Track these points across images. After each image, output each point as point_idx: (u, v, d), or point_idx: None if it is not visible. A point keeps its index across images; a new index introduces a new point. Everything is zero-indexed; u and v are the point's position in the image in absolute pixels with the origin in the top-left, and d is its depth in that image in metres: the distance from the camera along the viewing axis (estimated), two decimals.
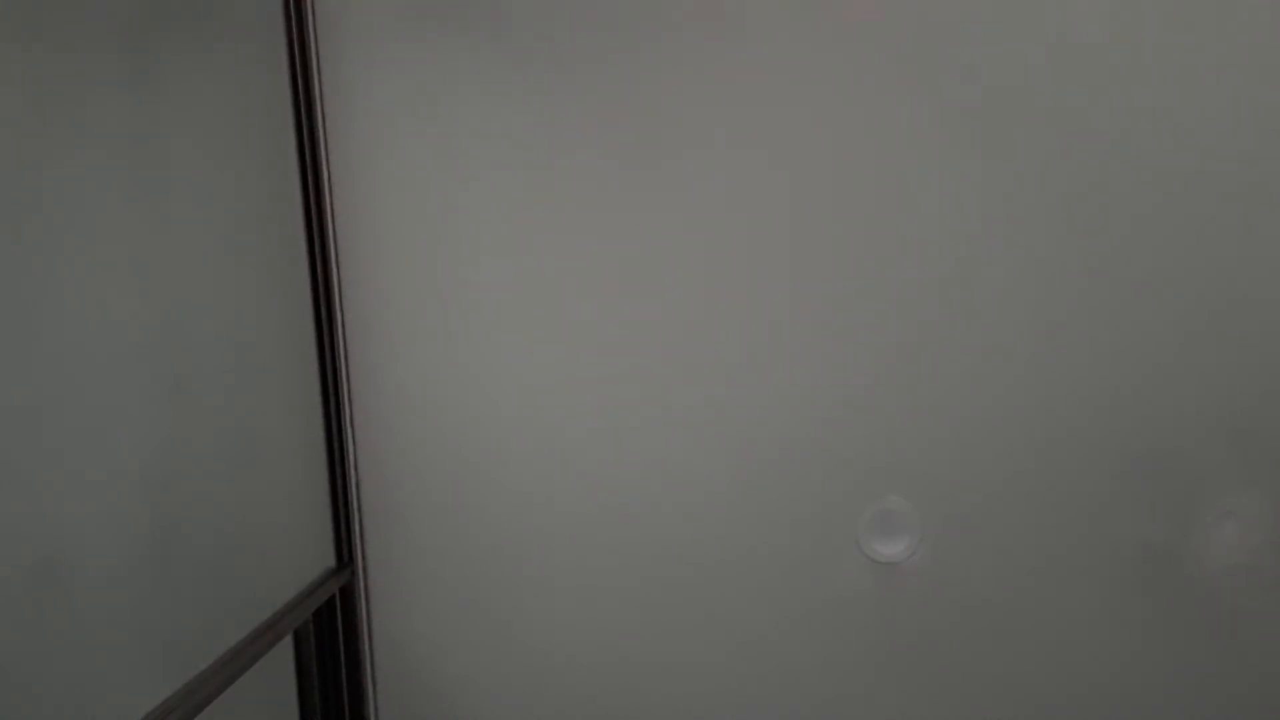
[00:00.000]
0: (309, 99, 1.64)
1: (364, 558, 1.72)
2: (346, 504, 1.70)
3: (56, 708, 1.05)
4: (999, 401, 1.64)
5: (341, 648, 1.69)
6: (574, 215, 1.67)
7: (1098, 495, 1.64)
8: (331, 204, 1.67)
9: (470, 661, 1.74)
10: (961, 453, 1.65)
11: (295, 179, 1.63)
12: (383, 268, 1.68)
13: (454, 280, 1.68)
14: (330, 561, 1.69)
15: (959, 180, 1.62)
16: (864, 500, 1.66)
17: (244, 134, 1.54)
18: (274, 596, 1.50)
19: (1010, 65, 1.60)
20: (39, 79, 1.07)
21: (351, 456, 1.71)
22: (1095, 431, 1.63)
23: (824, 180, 1.63)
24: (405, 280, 1.69)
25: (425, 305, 1.69)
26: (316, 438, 1.67)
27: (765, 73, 1.62)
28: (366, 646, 1.73)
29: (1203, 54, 1.58)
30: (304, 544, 1.63)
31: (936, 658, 1.69)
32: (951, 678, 1.69)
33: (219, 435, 1.41)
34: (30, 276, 1.04)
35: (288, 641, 1.57)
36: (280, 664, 1.57)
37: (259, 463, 1.52)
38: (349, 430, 1.70)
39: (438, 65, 1.65)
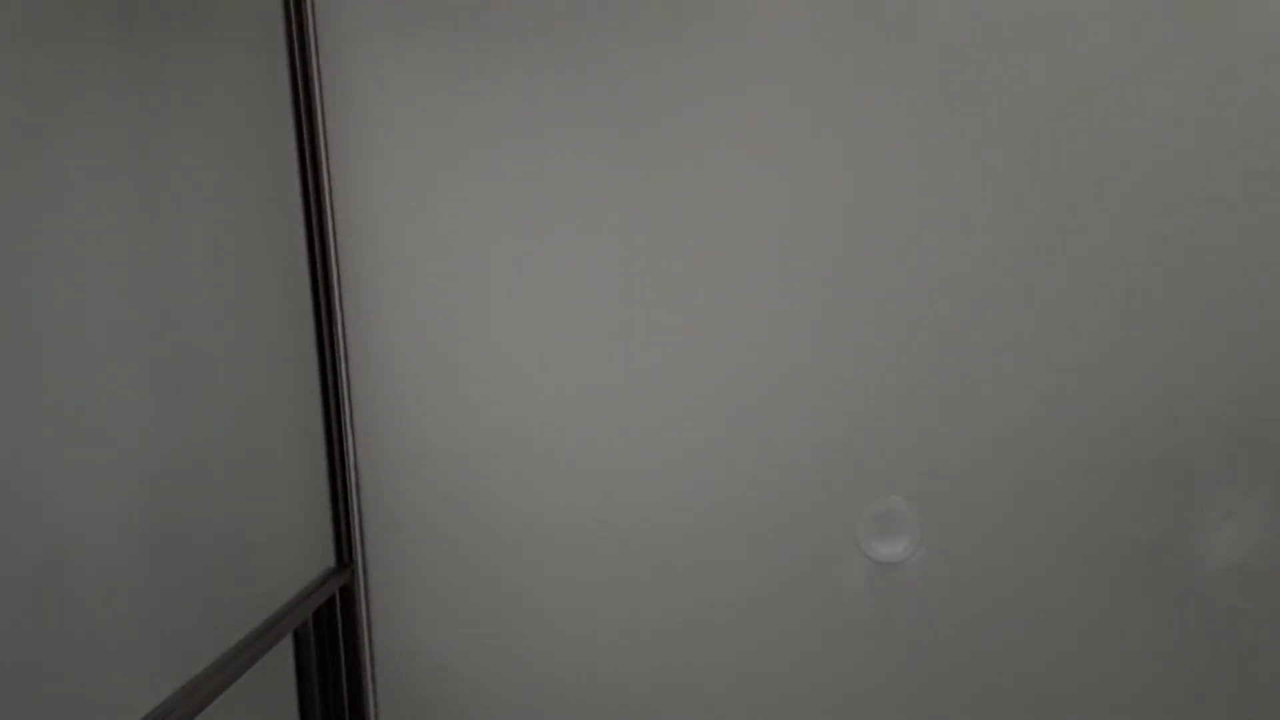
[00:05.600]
0: (309, 99, 1.64)
1: (364, 558, 1.72)
2: (346, 504, 1.70)
3: (57, 707, 1.05)
4: (999, 401, 1.64)
5: (341, 648, 1.69)
6: (576, 216, 1.66)
7: (1098, 495, 1.64)
8: (331, 204, 1.67)
9: (470, 662, 1.74)
10: (962, 452, 1.65)
11: (295, 179, 1.63)
12: (383, 268, 1.68)
13: (454, 280, 1.68)
14: (330, 561, 1.69)
15: (961, 181, 1.62)
16: (864, 500, 1.66)
17: (244, 134, 1.54)
18: (274, 596, 1.50)
19: (1020, 70, 1.60)
20: (39, 78, 1.07)
21: (351, 456, 1.70)
22: (1095, 431, 1.63)
23: (827, 180, 1.63)
24: (405, 280, 1.69)
25: (425, 305, 1.69)
26: (316, 438, 1.66)
27: (770, 70, 1.62)
28: (366, 646, 1.72)
29: (1209, 57, 1.58)
30: (304, 544, 1.63)
31: (936, 658, 1.69)
32: (951, 677, 1.69)
33: (219, 435, 1.41)
34: (30, 276, 1.04)
35: (288, 641, 1.57)
36: (280, 664, 1.56)
37: (259, 463, 1.52)
38: (349, 430, 1.70)
39: (438, 65, 1.65)
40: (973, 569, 1.67)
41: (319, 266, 1.66)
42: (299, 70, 1.62)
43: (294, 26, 1.62)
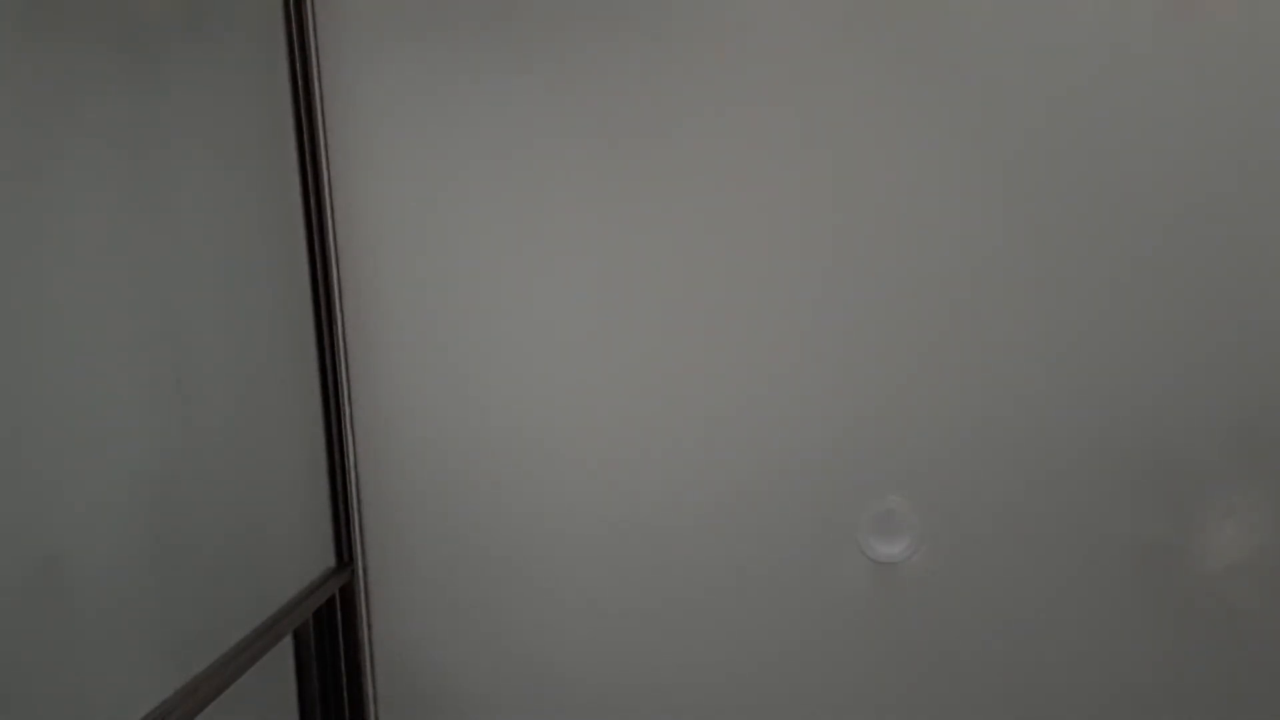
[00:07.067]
0: (309, 99, 1.64)
1: (364, 558, 1.72)
2: (346, 504, 1.70)
3: (57, 707, 1.05)
4: (999, 401, 1.64)
5: (341, 648, 1.69)
6: (575, 216, 1.67)
7: (1098, 495, 1.64)
8: (331, 204, 1.67)
9: (469, 661, 1.74)
10: (962, 453, 1.65)
11: (295, 179, 1.63)
12: (383, 268, 1.68)
13: (454, 280, 1.68)
14: (330, 561, 1.69)
15: (962, 183, 1.62)
16: (864, 501, 1.66)
17: (244, 134, 1.54)
18: (274, 596, 1.50)
19: (1017, 70, 1.60)
20: (40, 78, 1.07)
21: (351, 456, 1.70)
22: (1096, 431, 1.63)
23: (827, 183, 1.63)
24: (405, 280, 1.69)
25: (425, 305, 1.69)
26: (316, 438, 1.67)
27: (770, 74, 1.62)
28: (366, 646, 1.73)
29: (1209, 55, 1.58)
30: (304, 544, 1.63)
31: (936, 657, 1.69)
32: (951, 677, 1.69)
33: (219, 435, 1.41)
34: (31, 277, 1.04)
35: (288, 641, 1.57)
36: (280, 664, 1.57)
37: (259, 463, 1.52)
38: (349, 430, 1.70)
39: (438, 65, 1.65)
40: (972, 569, 1.67)
41: (319, 266, 1.66)
42: (299, 70, 1.62)
43: (294, 27, 1.62)
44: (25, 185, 1.04)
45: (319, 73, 1.65)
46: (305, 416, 1.65)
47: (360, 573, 1.72)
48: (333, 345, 1.68)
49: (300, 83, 1.62)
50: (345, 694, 1.69)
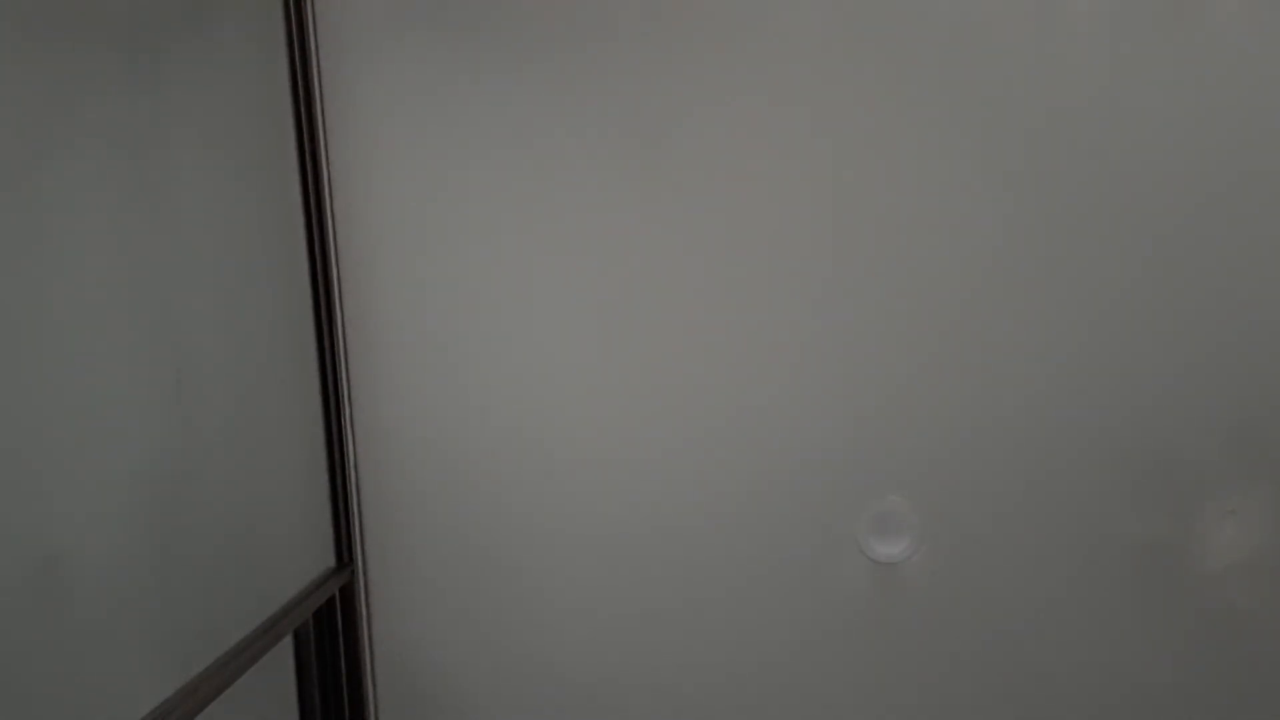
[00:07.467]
0: (309, 99, 1.64)
1: (364, 558, 1.72)
2: (346, 504, 1.70)
3: (57, 707, 1.05)
4: (999, 401, 1.64)
5: (341, 648, 1.69)
6: (575, 216, 1.67)
7: (1098, 495, 1.64)
8: (331, 204, 1.67)
9: (470, 661, 1.74)
10: (962, 453, 1.65)
11: (295, 179, 1.63)
12: (383, 268, 1.68)
13: (454, 280, 1.68)
14: (330, 561, 1.69)
15: (963, 184, 1.62)
16: (864, 500, 1.66)
17: (244, 134, 1.54)
18: (274, 596, 1.50)
19: (1016, 70, 1.60)
20: (40, 78, 1.07)
21: (351, 456, 1.70)
22: (1096, 431, 1.63)
23: (827, 183, 1.63)
24: (405, 280, 1.69)
25: (425, 305, 1.69)
26: (316, 438, 1.67)
27: (769, 76, 1.62)
28: (366, 646, 1.73)
29: (1209, 59, 1.58)
30: (304, 544, 1.63)
31: (936, 658, 1.69)
32: (951, 677, 1.69)
33: (219, 435, 1.41)
34: (31, 276, 1.04)
35: (288, 641, 1.57)
36: (280, 664, 1.57)
37: (259, 463, 1.52)
38: (349, 430, 1.70)
39: (438, 65, 1.65)
40: (973, 569, 1.67)
41: (319, 266, 1.66)
42: (299, 70, 1.62)
43: (294, 26, 1.62)
44: (25, 185, 1.04)
45: (319, 73, 1.65)
46: (305, 416, 1.65)
47: (360, 573, 1.72)
48: (333, 345, 1.68)
49: (300, 83, 1.62)
50: (345, 694, 1.68)
